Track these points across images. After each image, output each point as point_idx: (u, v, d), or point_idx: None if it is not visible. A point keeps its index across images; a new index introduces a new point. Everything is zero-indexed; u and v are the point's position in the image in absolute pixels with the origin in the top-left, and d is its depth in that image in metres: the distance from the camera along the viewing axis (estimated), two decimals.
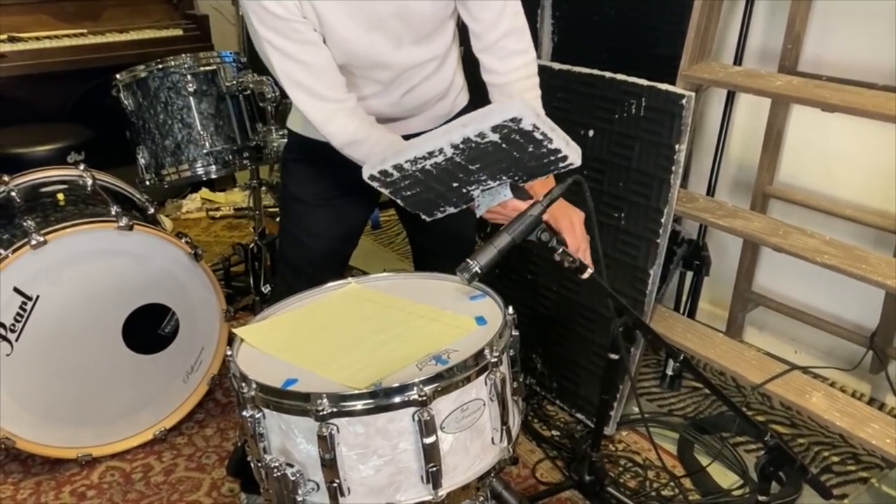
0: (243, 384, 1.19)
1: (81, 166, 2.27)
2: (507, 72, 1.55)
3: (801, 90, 1.96)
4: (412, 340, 1.28)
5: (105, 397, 2.09)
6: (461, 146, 1.23)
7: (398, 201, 1.41)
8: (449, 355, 1.22)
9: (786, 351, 2.50)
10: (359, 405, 1.13)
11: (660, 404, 2.36)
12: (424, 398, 1.13)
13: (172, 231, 2.44)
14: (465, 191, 1.37)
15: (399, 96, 1.60)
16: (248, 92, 2.50)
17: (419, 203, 1.42)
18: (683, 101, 1.88)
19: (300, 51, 1.43)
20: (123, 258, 2.02)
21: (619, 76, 2.03)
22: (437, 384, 1.14)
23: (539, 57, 1.79)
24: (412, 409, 1.14)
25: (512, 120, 1.19)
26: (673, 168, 1.92)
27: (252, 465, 1.29)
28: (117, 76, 2.47)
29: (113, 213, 2.00)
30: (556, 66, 2.18)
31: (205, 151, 2.48)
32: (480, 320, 1.33)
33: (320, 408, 1.12)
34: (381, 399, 1.13)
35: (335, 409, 1.12)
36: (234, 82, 2.47)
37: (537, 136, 1.23)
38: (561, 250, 1.32)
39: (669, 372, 2.42)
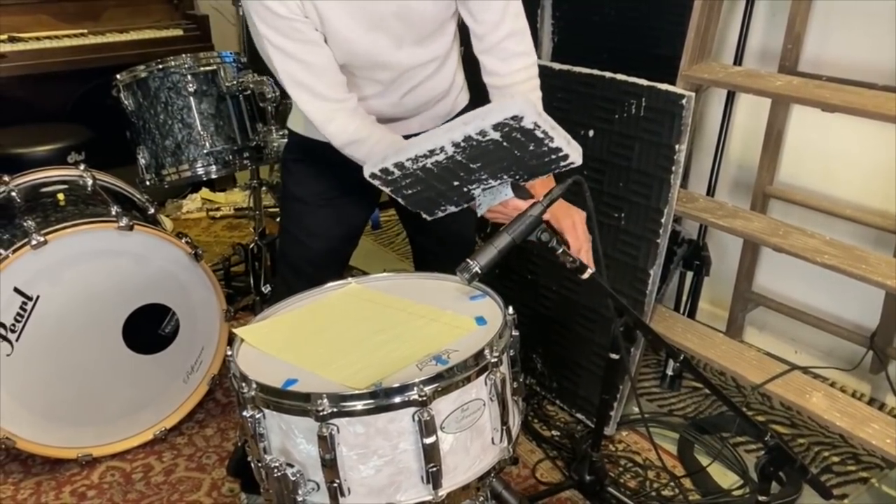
0: (243, 384, 1.19)
1: (82, 166, 2.27)
2: (509, 74, 1.55)
3: (801, 90, 1.96)
4: (412, 340, 1.28)
5: (105, 397, 2.09)
6: (462, 144, 1.23)
7: (399, 200, 1.41)
8: (449, 355, 1.22)
9: (786, 351, 2.50)
10: (359, 405, 1.13)
11: (660, 404, 2.36)
12: (424, 398, 1.13)
13: (173, 231, 2.44)
14: (466, 189, 1.37)
15: (400, 96, 1.60)
16: (249, 92, 2.50)
17: (420, 202, 1.42)
18: (683, 102, 1.88)
19: (301, 50, 1.43)
20: (124, 258, 2.02)
21: (619, 76, 2.03)
22: (437, 384, 1.14)
23: (539, 57, 1.79)
24: (412, 410, 1.13)
25: (513, 118, 1.19)
26: (673, 168, 1.92)
27: (252, 465, 1.29)
28: (117, 76, 2.46)
29: (113, 213, 2.00)
30: (556, 66, 2.18)
31: (205, 151, 2.47)
32: (480, 320, 1.33)
33: (320, 408, 1.12)
34: (382, 399, 1.13)
35: (335, 410, 1.12)
36: (235, 82, 2.47)
37: (538, 134, 1.23)
38: (561, 250, 1.32)
39: (669, 372, 2.42)
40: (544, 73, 1.60)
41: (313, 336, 1.35)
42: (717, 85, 2.23)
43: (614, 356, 1.69)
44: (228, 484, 2.04)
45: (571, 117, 2.13)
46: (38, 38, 3.31)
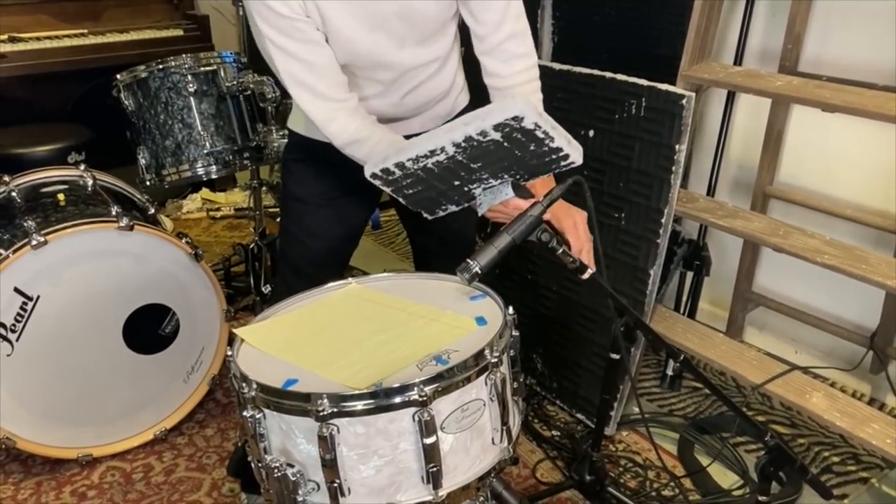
0: (244, 384, 1.19)
1: (82, 166, 2.27)
2: (510, 75, 1.54)
3: (801, 90, 1.96)
4: (412, 341, 1.28)
5: (105, 397, 2.09)
6: (463, 144, 1.23)
7: (400, 199, 1.41)
8: (449, 355, 1.22)
9: (786, 351, 2.50)
10: (359, 405, 1.13)
11: (660, 404, 2.36)
12: (425, 398, 1.13)
13: (173, 231, 2.44)
14: (466, 189, 1.37)
15: (400, 96, 1.60)
16: (249, 92, 2.50)
17: (421, 201, 1.42)
18: (683, 102, 1.88)
19: (303, 50, 1.43)
20: (124, 258, 2.02)
21: (620, 76, 2.03)
22: (437, 384, 1.14)
23: (539, 57, 1.79)
24: (412, 410, 1.14)
25: (514, 118, 1.19)
26: (673, 168, 1.92)
27: (252, 465, 1.29)
28: (118, 76, 2.47)
29: (113, 213, 2.00)
30: (557, 66, 2.18)
31: (205, 152, 2.47)
32: (481, 320, 1.33)
33: (321, 408, 1.12)
34: (382, 399, 1.13)
35: (335, 410, 1.12)
36: (235, 82, 2.47)
37: (539, 134, 1.23)
38: (561, 250, 1.32)
39: (670, 372, 2.42)
40: (544, 73, 1.60)
41: (313, 336, 1.35)
42: (717, 85, 2.23)
43: (614, 356, 1.69)
44: (229, 484, 2.04)
45: (571, 117, 2.13)
46: (38, 38, 3.31)
